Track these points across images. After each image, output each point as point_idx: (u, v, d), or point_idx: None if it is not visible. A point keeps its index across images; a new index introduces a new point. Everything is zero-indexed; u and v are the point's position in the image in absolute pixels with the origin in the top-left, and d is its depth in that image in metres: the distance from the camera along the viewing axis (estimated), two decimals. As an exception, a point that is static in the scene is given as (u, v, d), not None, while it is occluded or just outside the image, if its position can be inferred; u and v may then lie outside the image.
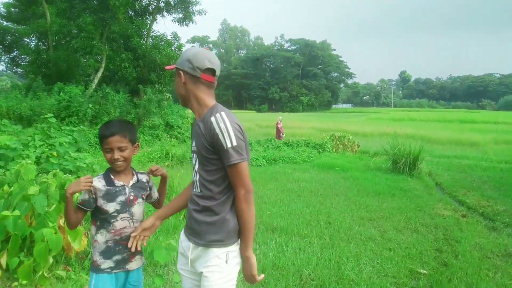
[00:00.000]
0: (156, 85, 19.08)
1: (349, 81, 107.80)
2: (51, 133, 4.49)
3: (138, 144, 2.15)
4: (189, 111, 18.96)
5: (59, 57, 17.68)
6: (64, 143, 4.11)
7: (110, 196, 1.99)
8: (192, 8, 20.63)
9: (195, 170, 1.88)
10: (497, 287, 3.80)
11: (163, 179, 2.28)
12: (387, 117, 45.45)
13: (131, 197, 2.04)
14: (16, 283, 2.78)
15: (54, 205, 3.09)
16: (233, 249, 1.86)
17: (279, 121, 17.13)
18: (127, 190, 2.04)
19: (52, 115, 4.75)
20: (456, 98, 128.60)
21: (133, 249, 1.99)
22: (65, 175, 3.26)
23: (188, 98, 1.90)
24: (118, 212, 2.00)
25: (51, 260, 2.97)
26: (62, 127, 5.20)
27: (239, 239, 1.87)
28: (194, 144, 1.89)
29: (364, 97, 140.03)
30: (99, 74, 17.90)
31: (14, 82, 29.18)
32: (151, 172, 2.17)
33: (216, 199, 1.82)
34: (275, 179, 9.02)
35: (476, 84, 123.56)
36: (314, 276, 3.87)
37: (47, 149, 4.07)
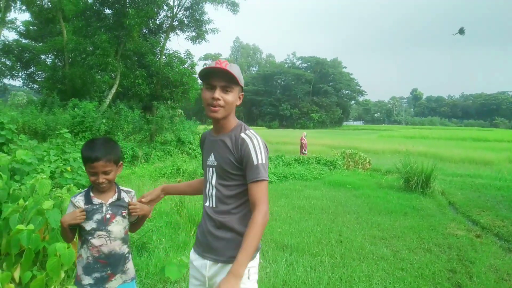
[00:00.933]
0: (169, 102, 19.32)
1: (360, 98, 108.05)
2: (65, 148, 4.59)
3: (121, 163, 2.15)
4: (201, 127, 19.09)
5: (74, 73, 18.07)
6: (78, 158, 4.18)
7: (87, 214, 2.01)
8: (205, 27, 21.00)
9: (212, 185, 1.87)
10: (513, 310, 3.71)
11: (143, 216, 2.22)
12: (398, 134, 45.19)
13: (108, 215, 2.05)
14: (28, 297, 2.80)
15: (68, 220, 3.12)
16: (253, 265, 1.85)
17: (303, 137, 17.20)
18: (104, 208, 2.05)
19: (67, 130, 4.85)
20: (468, 116, 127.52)
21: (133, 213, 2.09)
22: (78, 190, 3.30)
23: (230, 114, 1.88)
24: (95, 230, 2.01)
25: (63, 274, 2.99)
26: (76, 142, 5.29)
27: (258, 254, 1.86)
28: (212, 159, 1.88)
29: (375, 115, 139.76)
30: (113, 90, 18.22)
31: (30, 97, 29.80)
32: (132, 206, 2.13)
33: (233, 214, 1.82)
34: (285, 196, 8.98)
35: (489, 102, 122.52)
36: (325, 295, 3.82)
37: (62, 164, 4.15)
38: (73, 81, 18.61)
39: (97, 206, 2.04)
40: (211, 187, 1.88)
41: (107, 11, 19.71)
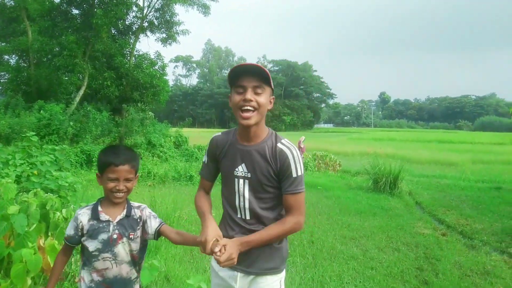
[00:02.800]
0: (139, 104, 19.00)
1: (330, 102, 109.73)
2: (32, 152, 4.43)
3: (138, 175, 1.97)
4: (173, 129, 18.79)
5: (40, 74, 17.49)
6: (46, 162, 4.06)
7: (92, 233, 1.81)
8: (175, 28, 20.78)
9: (245, 197, 1.77)
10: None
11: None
12: (367, 137, 46.15)
13: (115, 236, 1.82)
14: (-8, 306, 2.69)
15: (34, 225, 3.03)
16: (283, 275, 1.83)
17: (301, 142, 17.03)
18: (111, 227, 1.82)
19: (34, 133, 4.68)
20: (434, 118, 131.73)
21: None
22: (46, 194, 3.21)
23: (263, 119, 1.77)
24: (100, 251, 1.80)
25: (29, 281, 2.89)
26: (43, 146, 5.13)
27: (285, 264, 1.84)
28: (244, 170, 1.77)
29: (345, 117, 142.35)
30: (81, 92, 17.74)
31: (-10, 99, 28.56)
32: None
33: (267, 225, 1.76)
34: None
35: (453, 105, 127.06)
36: (298, 295, 3.87)
37: (28, 168, 4.01)
38: (39, 82, 18.00)
39: (104, 223, 1.82)
40: (243, 199, 1.78)
41: (75, 11, 19.20)
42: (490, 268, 4.85)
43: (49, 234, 3.28)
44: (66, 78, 18.98)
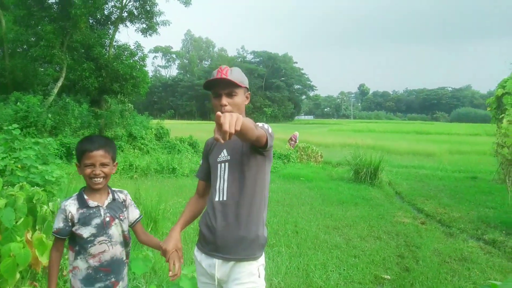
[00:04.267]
0: (119, 95, 18.72)
1: (311, 93, 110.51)
2: (15, 145, 4.35)
3: (117, 163, 2.06)
4: (154, 121, 18.62)
5: (15, 65, 17.01)
6: (31, 156, 3.99)
7: (84, 220, 1.87)
8: (156, 19, 20.47)
9: (224, 179, 1.88)
10: (454, 289, 4.04)
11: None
12: (347, 128, 46.77)
13: (107, 218, 1.92)
14: (-19, 301, 2.68)
15: (22, 219, 3.00)
16: (262, 263, 1.89)
17: (297, 136, 17.03)
18: (102, 211, 1.91)
19: (17, 126, 4.59)
20: (412, 110, 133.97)
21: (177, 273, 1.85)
22: (33, 188, 3.18)
23: (241, 114, 1.87)
24: (95, 236, 1.88)
25: (18, 275, 2.88)
26: (25, 139, 5.02)
27: (263, 252, 1.91)
28: (225, 154, 1.92)
29: (325, 109, 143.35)
30: (59, 83, 17.32)
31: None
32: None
33: (245, 207, 1.84)
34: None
35: (430, 97, 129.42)
36: (284, 284, 3.95)
37: (12, 162, 3.94)
38: (14, 73, 17.49)
39: (94, 209, 1.90)
40: (222, 181, 1.88)
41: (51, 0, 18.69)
42: (467, 255, 5.05)
43: (37, 228, 3.26)
44: (42, 69, 18.52)
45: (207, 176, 2.08)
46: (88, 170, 1.88)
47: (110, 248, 1.92)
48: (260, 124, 1.77)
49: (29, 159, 3.94)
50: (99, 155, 1.88)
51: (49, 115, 13.67)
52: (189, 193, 8.23)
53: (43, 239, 2.98)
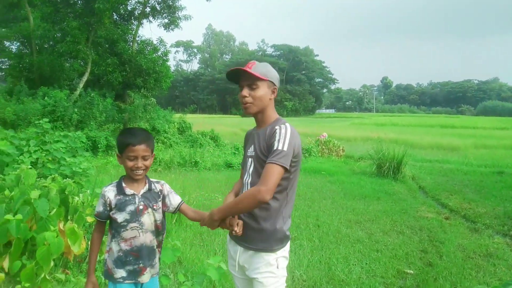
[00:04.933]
0: (142, 90, 19.01)
1: (332, 87, 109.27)
2: (46, 139, 4.52)
3: (154, 154, 2.17)
4: (177, 115, 18.85)
5: (43, 61, 17.47)
6: (61, 148, 4.15)
7: (120, 206, 2.01)
8: (178, 13, 20.64)
9: (249, 173, 1.99)
10: (479, 285, 3.99)
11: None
12: (370, 122, 46.13)
13: (141, 207, 2.03)
14: (19, 286, 2.82)
15: (55, 209, 3.15)
16: (283, 254, 1.98)
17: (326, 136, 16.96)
18: (137, 199, 2.04)
19: (47, 120, 4.76)
20: (436, 103, 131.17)
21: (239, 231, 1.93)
22: (64, 180, 3.32)
23: (265, 108, 2.03)
24: (128, 221, 2.00)
25: (52, 263, 3.02)
26: (55, 133, 5.21)
27: (288, 243, 2.02)
28: (252, 150, 2.02)
29: (347, 103, 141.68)
30: (85, 78, 17.74)
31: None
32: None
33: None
34: (263, 184, 9.11)
35: (456, 90, 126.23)
36: (306, 277, 3.99)
37: (43, 155, 4.10)
38: (41, 69, 17.97)
39: (130, 197, 2.03)
40: (248, 175, 2.00)
41: (76, -4, 19.08)
42: (492, 251, 4.98)
43: (68, 218, 3.40)
44: (68, 65, 18.95)
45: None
46: (131, 163, 2.00)
47: (141, 234, 2.04)
48: (275, 150, 1.82)
49: (59, 152, 4.09)
50: (141, 149, 1.99)
51: (75, 110, 14.04)
52: (211, 186, 8.34)
53: (75, 228, 3.11)
